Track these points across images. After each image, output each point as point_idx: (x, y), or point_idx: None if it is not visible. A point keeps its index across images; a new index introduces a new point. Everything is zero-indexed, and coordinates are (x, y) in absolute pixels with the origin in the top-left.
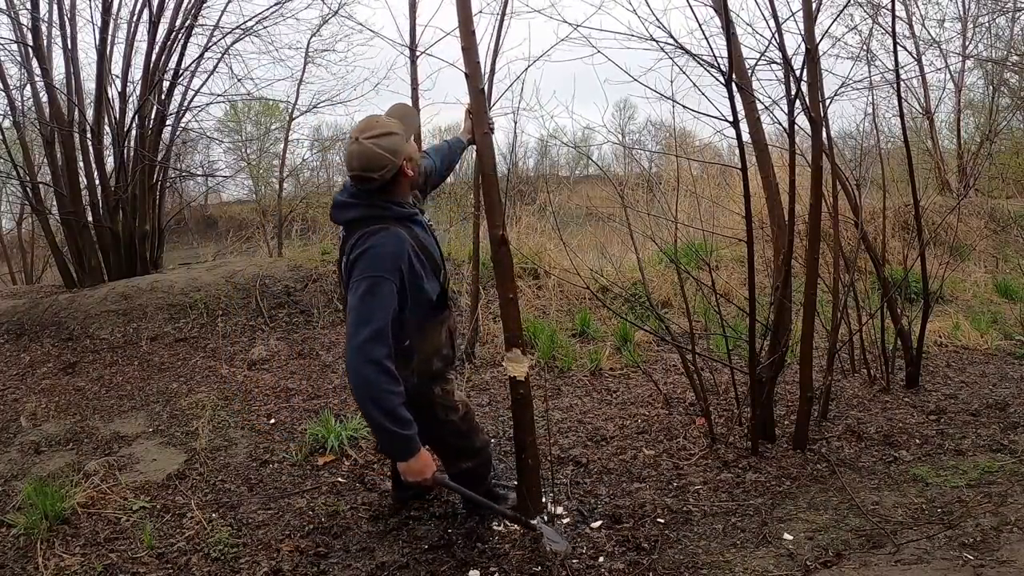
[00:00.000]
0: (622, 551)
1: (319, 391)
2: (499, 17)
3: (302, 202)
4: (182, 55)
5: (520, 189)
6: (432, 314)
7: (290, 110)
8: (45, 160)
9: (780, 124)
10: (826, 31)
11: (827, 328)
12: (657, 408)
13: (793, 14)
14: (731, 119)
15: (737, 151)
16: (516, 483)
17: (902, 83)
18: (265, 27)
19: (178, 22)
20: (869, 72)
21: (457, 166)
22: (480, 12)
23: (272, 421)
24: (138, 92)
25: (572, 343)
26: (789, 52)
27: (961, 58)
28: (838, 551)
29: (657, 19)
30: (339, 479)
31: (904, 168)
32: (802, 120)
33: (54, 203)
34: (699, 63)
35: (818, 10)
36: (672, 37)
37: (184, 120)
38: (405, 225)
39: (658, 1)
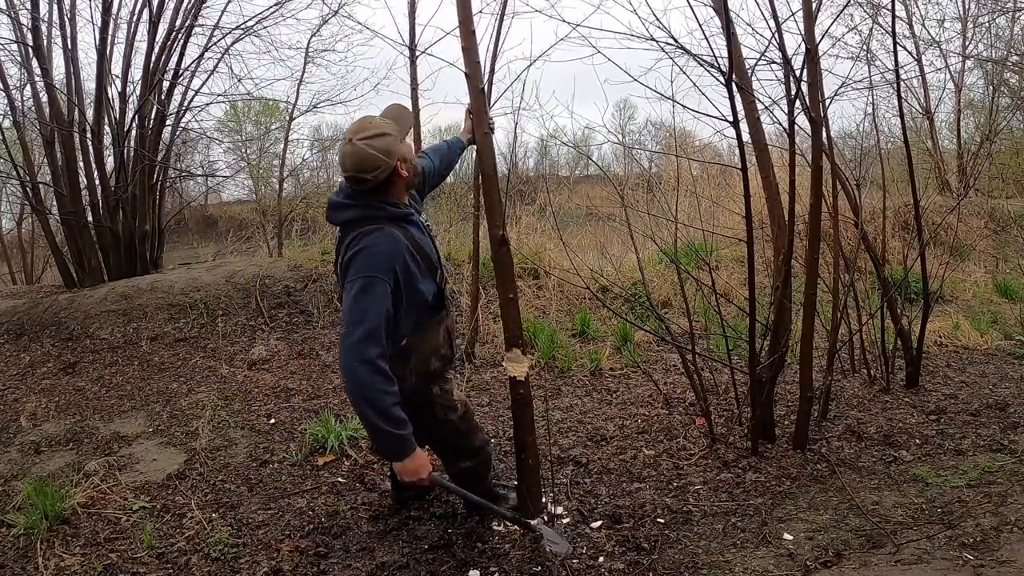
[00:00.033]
0: (622, 551)
1: (319, 391)
2: (499, 17)
3: (302, 202)
4: (182, 55)
5: (520, 189)
6: (429, 314)
7: (290, 110)
8: (45, 160)
9: (780, 124)
10: (826, 31)
11: (827, 328)
12: (657, 408)
13: (793, 14)
14: (731, 119)
15: (737, 151)
16: (516, 483)
17: (902, 83)
18: (265, 27)
19: (178, 22)
20: (869, 72)
21: (457, 166)
22: (480, 12)
23: (272, 421)
24: (138, 92)
25: (572, 343)
26: (789, 52)
27: (961, 58)
28: (838, 551)
29: (657, 19)
30: (339, 479)
31: (904, 168)
32: (802, 120)
33: (54, 203)
34: (699, 63)
35: (818, 10)
36: (672, 37)
37: (184, 120)
38: (400, 225)
39: (658, 1)
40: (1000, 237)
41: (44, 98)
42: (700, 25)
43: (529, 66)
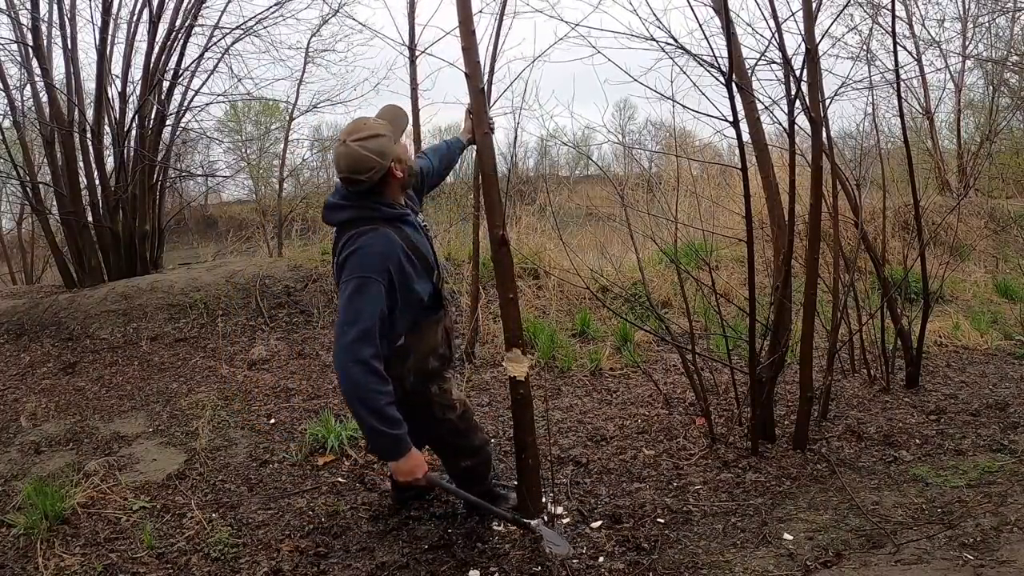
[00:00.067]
0: (622, 551)
1: (319, 391)
2: (499, 17)
3: (302, 202)
4: (182, 55)
5: (520, 189)
6: (426, 314)
7: (290, 110)
8: (45, 160)
9: (780, 124)
10: (826, 31)
11: (827, 328)
12: (657, 408)
13: (793, 14)
14: (731, 119)
15: (737, 151)
16: (516, 483)
17: (902, 83)
18: (265, 27)
19: (178, 22)
20: (869, 72)
21: (457, 166)
22: (480, 12)
23: (272, 421)
24: (138, 92)
25: (572, 343)
26: (789, 52)
27: (961, 58)
28: (838, 551)
29: (657, 19)
30: (339, 479)
31: (904, 168)
32: (802, 120)
33: (54, 203)
34: (699, 63)
35: (818, 10)
36: (672, 37)
37: (184, 120)
38: (395, 226)
39: (658, 1)
40: (1000, 237)
41: (44, 98)
42: (700, 25)
43: (529, 66)
